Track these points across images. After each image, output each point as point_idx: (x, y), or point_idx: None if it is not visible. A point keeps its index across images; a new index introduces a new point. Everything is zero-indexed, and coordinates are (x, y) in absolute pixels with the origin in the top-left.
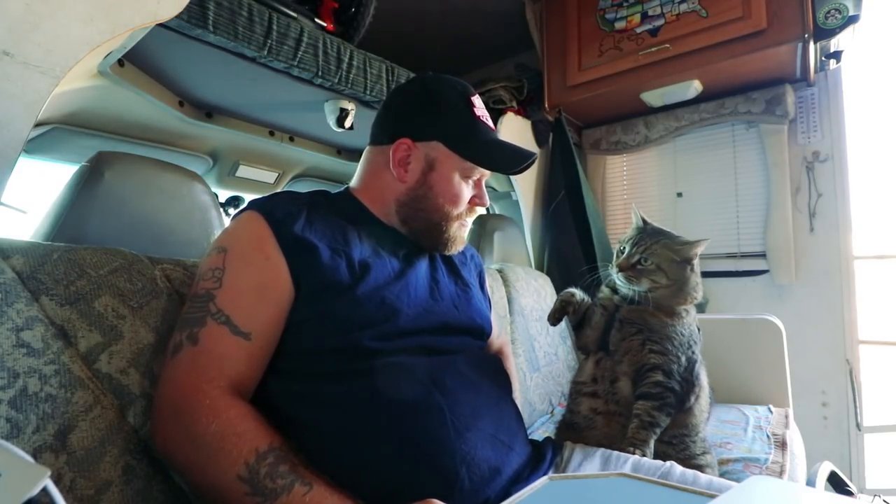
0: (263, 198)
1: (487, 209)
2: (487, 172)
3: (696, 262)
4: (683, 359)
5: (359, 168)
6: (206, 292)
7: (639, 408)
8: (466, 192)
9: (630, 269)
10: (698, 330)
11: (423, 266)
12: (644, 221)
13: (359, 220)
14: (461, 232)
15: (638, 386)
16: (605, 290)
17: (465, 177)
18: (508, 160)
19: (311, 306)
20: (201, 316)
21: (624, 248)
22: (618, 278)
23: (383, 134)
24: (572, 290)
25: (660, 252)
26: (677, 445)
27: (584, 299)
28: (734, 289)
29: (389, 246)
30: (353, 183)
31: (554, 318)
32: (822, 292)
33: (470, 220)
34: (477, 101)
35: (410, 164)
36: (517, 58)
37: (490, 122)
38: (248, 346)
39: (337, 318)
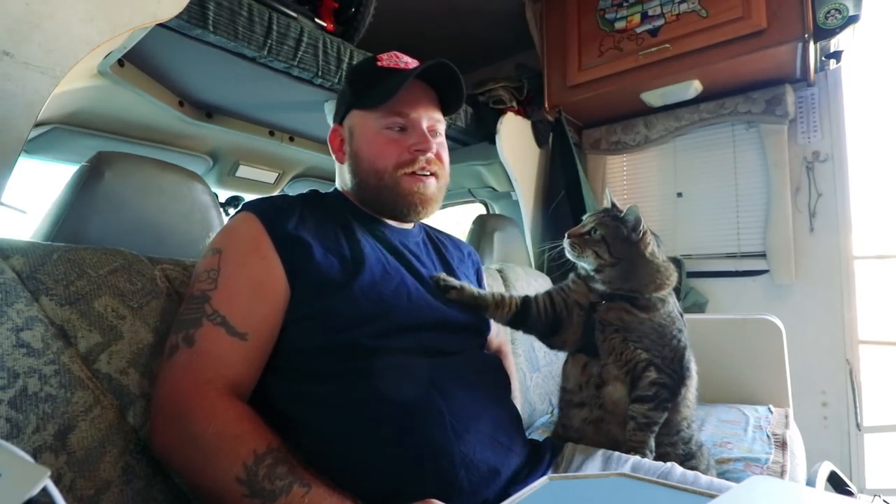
0: (257, 199)
1: (487, 209)
2: (420, 115)
3: (651, 246)
4: (666, 350)
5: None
6: (201, 293)
7: (634, 411)
8: (392, 141)
9: (577, 237)
10: (681, 315)
11: (420, 262)
12: (613, 205)
13: (351, 216)
14: (418, 187)
15: (634, 389)
16: (578, 283)
17: (387, 126)
18: (399, 82)
19: (307, 304)
20: (197, 317)
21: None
22: (565, 245)
23: None
24: (479, 292)
25: (609, 224)
26: (656, 448)
27: (501, 300)
28: (734, 289)
29: (385, 241)
30: (335, 182)
31: (440, 284)
32: (822, 292)
33: (428, 174)
34: (386, 55)
35: (343, 145)
36: (517, 58)
37: (404, 61)
38: (244, 347)
39: (333, 316)
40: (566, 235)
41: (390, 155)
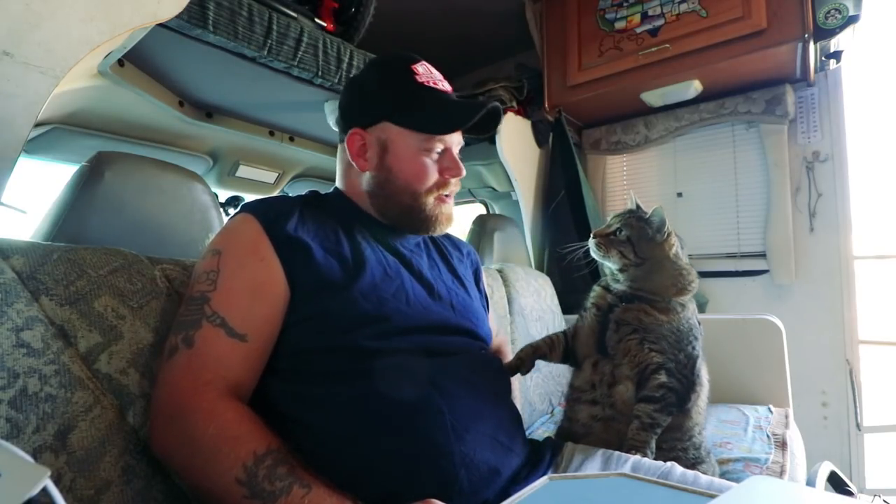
0: (256, 200)
1: (487, 209)
2: (454, 140)
3: (676, 248)
4: (682, 356)
5: (336, 168)
6: (200, 295)
7: (639, 410)
8: (431, 165)
9: (603, 237)
10: (699, 324)
11: (420, 263)
12: (637, 206)
13: (352, 217)
14: (442, 209)
15: (642, 388)
16: (597, 290)
17: (426, 150)
18: (459, 118)
19: (306, 306)
20: (196, 318)
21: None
22: (591, 245)
23: (341, 130)
24: (535, 343)
25: (634, 224)
26: (667, 452)
27: (553, 341)
28: (734, 289)
29: (386, 242)
30: (337, 182)
31: (511, 369)
32: (822, 292)
33: (449, 194)
34: (421, 67)
35: (368, 153)
36: (517, 58)
37: (443, 85)
38: (244, 348)
39: (333, 318)
40: (592, 235)
41: (428, 178)
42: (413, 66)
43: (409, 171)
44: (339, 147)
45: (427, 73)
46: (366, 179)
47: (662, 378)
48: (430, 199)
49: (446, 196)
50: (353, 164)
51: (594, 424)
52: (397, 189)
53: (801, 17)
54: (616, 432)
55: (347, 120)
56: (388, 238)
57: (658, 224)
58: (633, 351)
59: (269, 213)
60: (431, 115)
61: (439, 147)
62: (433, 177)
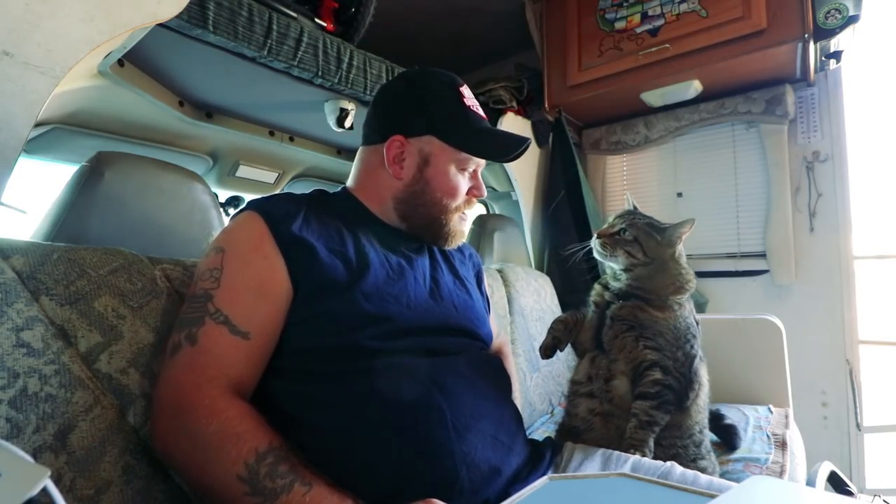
0: (262, 198)
1: (487, 209)
2: (482, 163)
3: (679, 248)
4: (679, 353)
5: (353, 168)
6: (204, 292)
7: (636, 408)
8: (463, 183)
9: (608, 237)
10: (697, 324)
11: (423, 265)
12: (635, 207)
13: (358, 218)
14: (461, 225)
15: (637, 385)
16: (596, 288)
17: (461, 168)
18: (502, 148)
19: (309, 306)
20: (199, 316)
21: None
22: (595, 245)
23: (375, 133)
24: (562, 316)
25: (641, 226)
26: (667, 449)
27: (577, 319)
28: (734, 289)
29: (389, 244)
30: (350, 182)
31: (545, 353)
32: (822, 292)
33: (469, 213)
34: (465, 90)
35: (405, 161)
36: (517, 58)
37: (480, 111)
38: (246, 346)
39: (335, 318)
40: (595, 235)
41: (458, 195)
42: (460, 89)
43: (445, 186)
44: (364, 148)
45: (470, 97)
46: (396, 186)
47: (657, 375)
48: (455, 216)
49: (465, 214)
50: (388, 169)
51: (593, 419)
52: (430, 201)
53: (801, 17)
54: (616, 428)
55: (388, 125)
56: (391, 240)
57: (671, 240)
58: (628, 347)
59: (274, 212)
60: (477, 139)
61: (472, 167)
62: (461, 194)
